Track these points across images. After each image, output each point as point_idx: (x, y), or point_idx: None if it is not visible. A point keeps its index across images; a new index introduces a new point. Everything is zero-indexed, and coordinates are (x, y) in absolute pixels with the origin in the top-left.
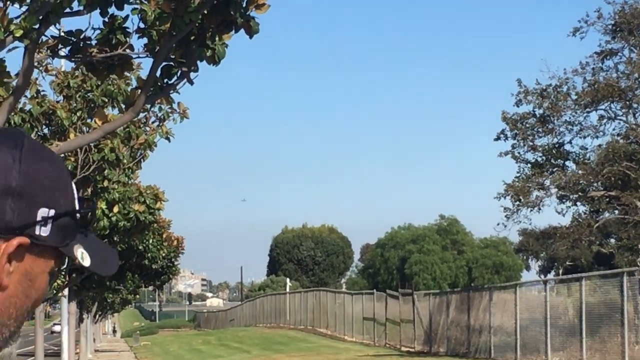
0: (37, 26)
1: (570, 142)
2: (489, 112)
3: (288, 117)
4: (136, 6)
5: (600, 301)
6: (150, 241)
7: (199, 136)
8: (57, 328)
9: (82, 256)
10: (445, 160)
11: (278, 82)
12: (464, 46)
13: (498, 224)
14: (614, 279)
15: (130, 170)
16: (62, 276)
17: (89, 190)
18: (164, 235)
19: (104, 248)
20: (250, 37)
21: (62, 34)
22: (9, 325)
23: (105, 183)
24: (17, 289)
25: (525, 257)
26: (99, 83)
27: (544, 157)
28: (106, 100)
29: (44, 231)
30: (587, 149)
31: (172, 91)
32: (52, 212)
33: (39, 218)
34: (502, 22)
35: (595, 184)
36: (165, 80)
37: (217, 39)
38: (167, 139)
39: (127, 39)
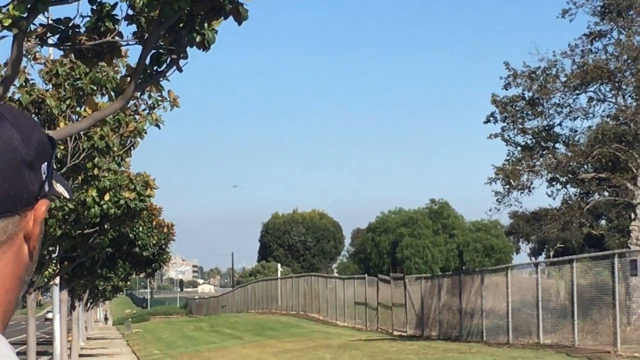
0: (25, 15)
1: (560, 124)
2: (479, 95)
3: (277, 103)
4: None
5: (592, 283)
6: (141, 228)
7: (189, 122)
8: (50, 315)
9: (63, 190)
10: (436, 144)
11: (267, 68)
12: (454, 29)
13: (490, 209)
14: (605, 261)
15: (120, 158)
16: (53, 264)
17: (80, 178)
18: (155, 223)
19: (57, 175)
20: (239, 23)
21: (51, 22)
22: (27, 282)
23: (96, 171)
24: (37, 248)
25: (516, 240)
26: (88, 71)
27: (533, 140)
28: (95, 88)
29: (46, 186)
30: (576, 131)
31: (161, 78)
32: (45, 165)
33: (43, 176)
34: (491, 4)
35: (585, 166)
36: (155, 68)
37: (206, 25)
38: (157, 126)
39: (116, 26)
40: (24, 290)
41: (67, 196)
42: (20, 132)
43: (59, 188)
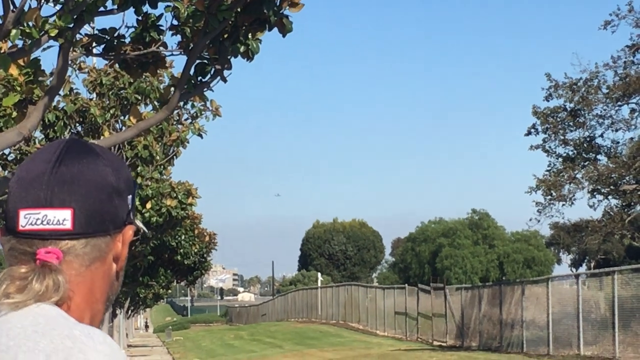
0: (71, 25)
1: (601, 135)
2: (521, 106)
3: (319, 113)
4: (169, 4)
5: (633, 295)
6: (183, 237)
7: (231, 131)
8: None
9: (141, 225)
10: (477, 154)
11: (309, 78)
12: (496, 40)
13: (531, 219)
14: None
15: (162, 167)
16: None
17: None
18: (196, 231)
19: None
20: (284, 35)
21: (96, 32)
22: (112, 300)
23: (139, 180)
24: (122, 269)
25: (556, 251)
26: (132, 81)
27: (575, 151)
28: (139, 97)
29: (132, 215)
30: (618, 142)
31: (205, 89)
32: (131, 197)
33: (129, 206)
34: (533, 15)
35: (627, 178)
36: (199, 78)
37: (250, 36)
38: (200, 135)
39: (161, 36)
40: (108, 307)
41: (146, 231)
42: (111, 166)
43: (139, 223)
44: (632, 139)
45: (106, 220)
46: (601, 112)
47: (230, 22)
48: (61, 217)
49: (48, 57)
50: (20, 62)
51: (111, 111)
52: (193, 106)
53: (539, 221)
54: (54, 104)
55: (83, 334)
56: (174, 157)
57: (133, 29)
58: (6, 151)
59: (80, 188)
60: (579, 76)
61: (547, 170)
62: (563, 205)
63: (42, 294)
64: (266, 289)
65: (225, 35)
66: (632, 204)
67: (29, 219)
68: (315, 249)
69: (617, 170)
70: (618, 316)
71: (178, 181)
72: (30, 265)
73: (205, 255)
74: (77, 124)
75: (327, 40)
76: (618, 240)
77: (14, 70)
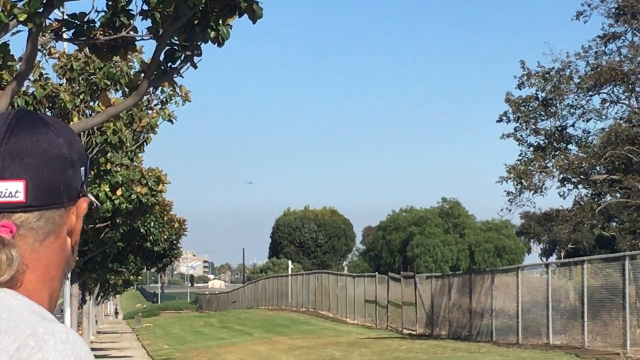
0: (41, 10)
1: (572, 125)
2: (492, 94)
3: (290, 100)
4: None
5: (602, 284)
6: (153, 224)
7: (201, 118)
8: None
9: (93, 199)
10: (447, 142)
11: (280, 65)
12: (468, 28)
13: (502, 210)
14: (616, 263)
15: (133, 153)
16: None
17: (92, 173)
18: (166, 218)
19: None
20: (254, 22)
21: (66, 17)
22: (67, 276)
23: (108, 166)
24: (77, 243)
25: (527, 240)
26: (102, 66)
27: (546, 140)
28: (109, 83)
29: (85, 187)
30: (589, 132)
31: (175, 75)
32: (83, 169)
33: (82, 177)
34: (506, 4)
35: (597, 168)
36: (169, 64)
37: (220, 22)
38: (170, 121)
39: (131, 21)
40: (63, 282)
41: (98, 204)
42: (64, 137)
43: (91, 197)
44: (603, 129)
45: (60, 192)
46: (572, 102)
47: (200, 8)
48: (13, 189)
49: (17, 42)
50: None
51: (81, 96)
52: (163, 92)
53: (510, 211)
54: (24, 89)
55: (46, 332)
56: (144, 143)
57: (103, 14)
58: None
59: (32, 159)
60: (551, 66)
61: (518, 159)
62: (534, 194)
63: None
64: (237, 276)
65: (196, 22)
66: (602, 193)
67: None
68: (286, 237)
69: (587, 160)
70: (587, 306)
71: (148, 168)
72: None
73: (175, 242)
74: (47, 109)
75: (298, 27)
76: (588, 229)
77: None
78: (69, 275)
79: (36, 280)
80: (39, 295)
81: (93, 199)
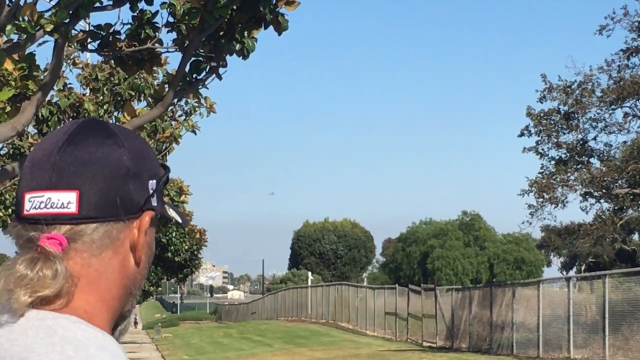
0: (67, 21)
1: (594, 139)
2: (514, 107)
3: (311, 111)
4: (165, 1)
5: (623, 299)
6: (174, 234)
7: (222, 128)
8: None
9: (174, 215)
10: (468, 155)
11: (303, 76)
12: (491, 40)
13: (523, 222)
14: (637, 277)
15: None
16: None
17: None
18: (187, 228)
19: (173, 205)
20: (279, 34)
21: (91, 28)
22: (137, 294)
23: None
24: (145, 261)
25: (547, 253)
26: (127, 76)
27: (568, 154)
28: (133, 93)
29: (154, 201)
30: (611, 146)
31: (200, 86)
32: (154, 182)
33: (150, 190)
34: (529, 17)
35: (619, 181)
36: (194, 76)
37: (246, 34)
38: (194, 132)
39: (156, 33)
40: (132, 302)
41: (179, 221)
42: (128, 147)
43: (172, 213)
44: (625, 142)
45: (117, 204)
46: (595, 115)
47: (226, 20)
48: (66, 200)
49: (42, 52)
50: (15, 57)
51: (105, 107)
52: (187, 103)
53: (530, 224)
54: (48, 98)
55: None
56: (167, 153)
57: (128, 26)
58: None
59: (88, 169)
60: (573, 79)
61: (540, 173)
62: (555, 207)
63: (38, 286)
64: (256, 287)
65: (221, 33)
66: (624, 207)
67: (33, 202)
68: (306, 248)
69: (609, 174)
70: (608, 320)
71: (171, 178)
72: (32, 253)
73: (195, 253)
74: (71, 119)
75: (323, 39)
76: (609, 243)
77: (8, 65)
78: (138, 294)
79: (95, 301)
80: (99, 318)
81: (174, 214)
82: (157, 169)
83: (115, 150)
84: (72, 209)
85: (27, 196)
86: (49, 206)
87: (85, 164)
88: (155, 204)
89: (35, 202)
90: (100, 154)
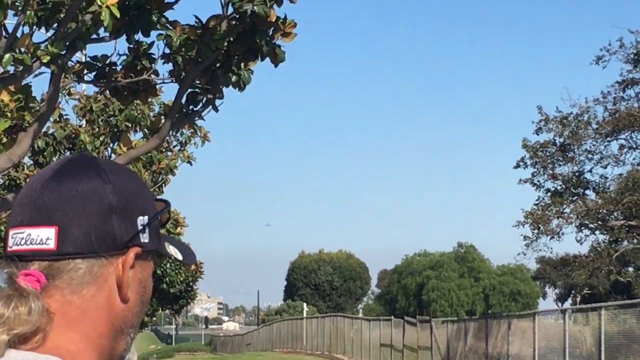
0: (63, 52)
1: (590, 171)
2: (509, 138)
3: (307, 142)
4: (162, 32)
5: (619, 331)
6: (169, 265)
7: (219, 159)
8: None
9: (175, 252)
10: (463, 187)
11: (296, 107)
12: (486, 72)
13: (518, 254)
14: (633, 309)
15: None
16: None
17: None
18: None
19: (177, 241)
20: (276, 65)
21: (88, 59)
22: (131, 333)
23: None
24: (137, 299)
25: (542, 285)
26: (122, 108)
27: (563, 186)
28: (129, 125)
29: (145, 237)
30: (607, 178)
31: (197, 118)
32: (146, 219)
33: (139, 227)
34: (524, 48)
35: (615, 213)
36: (191, 107)
37: (242, 66)
38: (189, 163)
39: (152, 64)
40: (126, 342)
41: (180, 258)
42: (115, 183)
43: (171, 249)
44: (620, 174)
45: (98, 240)
46: (590, 147)
47: (222, 51)
48: (44, 236)
49: (38, 83)
50: (11, 88)
51: (101, 138)
52: (182, 133)
53: (526, 255)
54: (44, 129)
55: None
56: (163, 185)
57: (125, 57)
58: None
59: (68, 205)
60: (569, 110)
61: (535, 204)
62: (551, 239)
63: (14, 323)
64: (251, 318)
65: (218, 65)
66: (620, 239)
67: (15, 238)
68: (301, 279)
69: (605, 206)
70: (604, 352)
71: None
72: (9, 290)
73: (191, 284)
74: (67, 151)
75: (319, 70)
76: (604, 275)
77: (5, 96)
78: (134, 333)
79: (79, 340)
80: (84, 357)
81: (173, 251)
82: (149, 205)
83: (100, 186)
84: (51, 245)
85: (11, 232)
86: (28, 242)
87: (65, 199)
88: (146, 241)
89: (17, 239)
90: (82, 189)
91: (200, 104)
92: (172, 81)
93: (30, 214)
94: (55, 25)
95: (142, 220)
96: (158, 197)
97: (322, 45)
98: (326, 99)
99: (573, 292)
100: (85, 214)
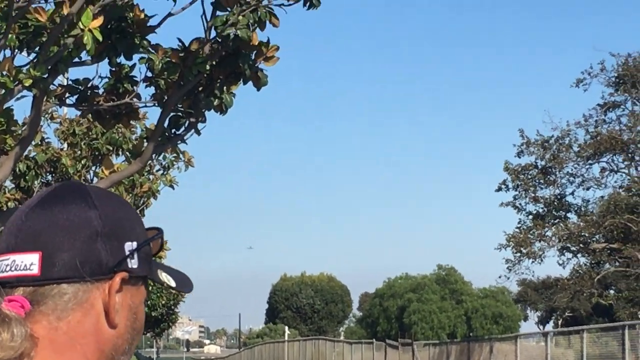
0: (46, 75)
1: (572, 193)
2: (491, 160)
3: (288, 166)
4: (144, 55)
5: (601, 354)
6: (151, 289)
7: (200, 182)
8: None
9: (167, 279)
10: (445, 209)
11: (278, 131)
12: (467, 95)
13: (500, 276)
14: (614, 332)
15: None
16: None
17: None
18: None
19: (174, 269)
20: (258, 89)
21: (70, 82)
22: (118, 358)
23: None
24: (127, 325)
25: (523, 308)
26: (104, 131)
27: (545, 209)
28: (111, 148)
29: (133, 263)
30: (589, 201)
31: (179, 142)
32: (135, 244)
33: (127, 252)
34: (505, 71)
35: (596, 236)
36: (173, 131)
37: (225, 89)
38: (172, 186)
39: (134, 87)
40: None
41: (172, 285)
42: (101, 209)
43: (163, 277)
44: (602, 197)
45: (83, 265)
46: (572, 170)
47: (205, 75)
48: (28, 262)
49: (20, 106)
50: None
51: (82, 161)
52: (165, 157)
53: (508, 278)
54: (25, 153)
55: None
56: (145, 208)
57: (107, 80)
58: None
59: (52, 230)
60: (550, 134)
61: (517, 227)
62: (532, 262)
63: None
64: (232, 341)
65: (200, 88)
66: (601, 262)
67: (0, 265)
68: (283, 302)
69: (587, 229)
70: None
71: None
72: None
73: (172, 307)
74: (48, 174)
75: (301, 95)
76: (586, 298)
77: None
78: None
79: None
80: None
81: (165, 278)
82: (138, 231)
83: (85, 212)
84: (35, 270)
85: None
86: (13, 268)
87: (50, 225)
88: (135, 266)
89: (2, 265)
90: (67, 215)
91: (183, 128)
92: (154, 105)
93: (15, 240)
94: (37, 48)
95: (130, 246)
96: (153, 226)
97: (305, 70)
98: (308, 122)
99: (555, 315)
100: (69, 238)
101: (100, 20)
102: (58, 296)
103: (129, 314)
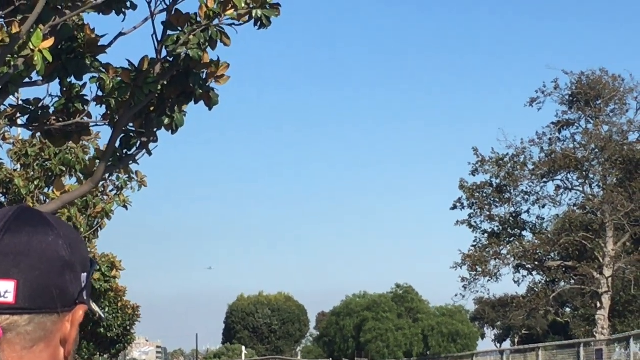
0: None
1: (527, 211)
2: (446, 178)
3: (242, 185)
4: (94, 75)
5: None
6: (106, 309)
7: (155, 203)
8: None
9: (97, 309)
10: (401, 228)
11: (230, 149)
12: (421, 111)
13: (456, 295)
14: (570, 349)
15: (87, 240)
16: None
17: None
18: (120, 304)
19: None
20: (210, 108)
21: (20, 102)
22: None
23: None
24: (72, 355)
25: (481, 326)
26: (58, 152)
27: (500, 227)
28: (64, 169)
29: (85, 295)
30: (544, 219)
31: (131, 162)
32: (85, 275)
33: (83, 283)
34: (459, 89)
35: (552, 254)
36: (125, 151)
37: (176, 109)
38: (125, 207)
39: (85, 107)
40: None
41: (102, 315)
42: (65, 239)
43: (94, 307)
44: (557, 215)
45: (54, 296)
46: (527, 188)
47: (156, 95)
48: (3, 290)
49: None
50: None
51: (35, 182)
52: (118, 178)
53: (464, 296)
54: None
55: None
56: (99, 229)
57: (57, 99)
58: None
59: (26, 259)
60: (505, 152)
61: (473, 246)
62: (489, 280)
63: None
64: None
65: (152, 108)
66: (557, 280)
67: None
68: (240, 322)
69: (542, 247)
70: None
71: (102, 253)
72: None
73: (128, 328)
74: (1, 195)
75: (253, 112)
76: (542, 315)
77: None
78: None
79: None
80: None
81: (96, 308)
82: (87, 262)
83: (54, 241)
84: (10, 298)
85: None
86: None
87: (22, 253)
88: (85, 298)
89: None
90: (39, 244)
91: (135, 148)
92: (105, 124)
93: None
94: None
95: (84, 277)
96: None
97: (257, 87)
98: (261, 140)
99: (511, 332)
100: (42, 268)
101: (51, 41)
102: (29, 326)
103: (74, 344)
